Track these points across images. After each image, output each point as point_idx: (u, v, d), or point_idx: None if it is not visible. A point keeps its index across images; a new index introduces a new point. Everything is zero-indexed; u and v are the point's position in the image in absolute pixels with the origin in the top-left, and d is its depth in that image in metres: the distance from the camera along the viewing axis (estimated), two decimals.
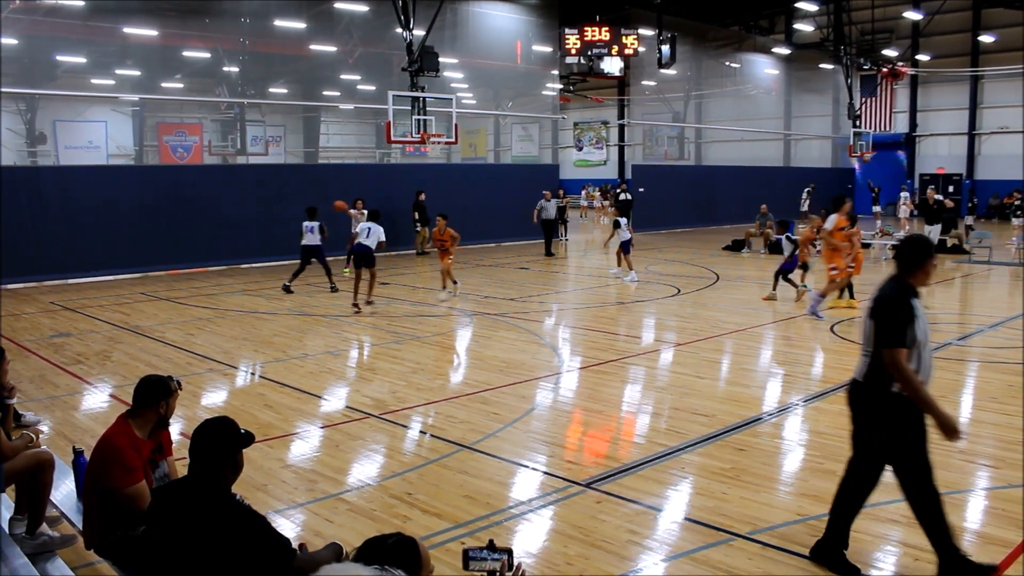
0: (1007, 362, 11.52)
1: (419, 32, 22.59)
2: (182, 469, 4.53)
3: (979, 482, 7.09)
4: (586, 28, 30.33)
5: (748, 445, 7.91)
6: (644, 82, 44.93)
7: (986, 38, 40.45)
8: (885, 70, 40.03)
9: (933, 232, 21.59)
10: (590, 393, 10.13)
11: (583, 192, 48.63)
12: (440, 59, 23.40)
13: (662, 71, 33.84)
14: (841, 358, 11.94)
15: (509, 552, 3.25)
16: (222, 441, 3.80)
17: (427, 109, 22.43)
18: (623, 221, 20.17)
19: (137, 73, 32.53)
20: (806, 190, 37.16)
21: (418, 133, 22.12)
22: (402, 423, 8.65)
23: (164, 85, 34.72)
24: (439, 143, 23.94)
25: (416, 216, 25.20)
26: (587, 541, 5.86)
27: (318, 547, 4.21)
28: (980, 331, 13.75)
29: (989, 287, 19.43)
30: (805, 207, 36.15)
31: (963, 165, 43.59)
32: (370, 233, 15.62)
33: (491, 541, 3.30)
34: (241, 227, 22.50)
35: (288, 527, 6.05)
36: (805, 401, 9.57)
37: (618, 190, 33.17)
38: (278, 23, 30.04)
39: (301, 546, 4.04)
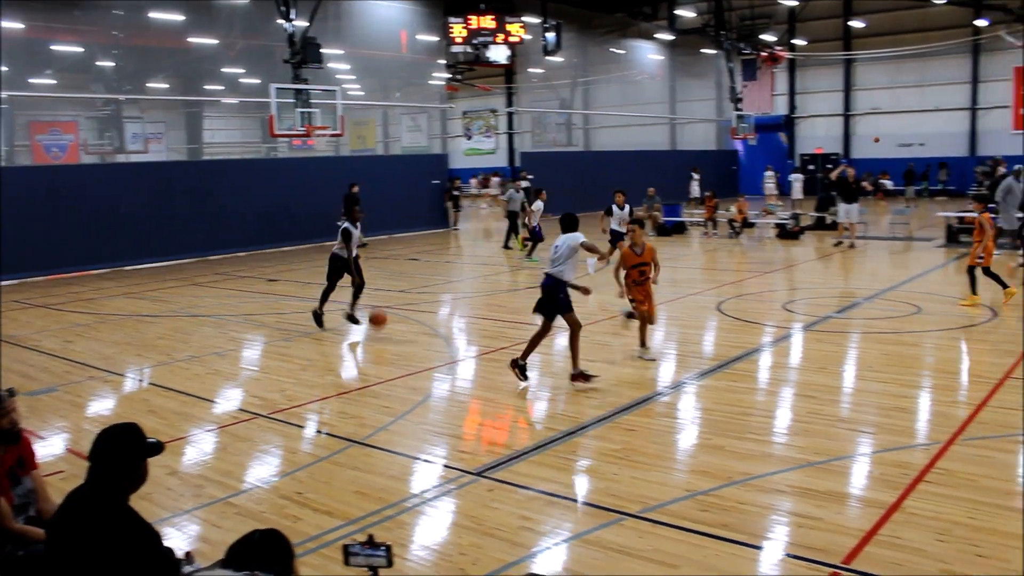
0: (884, 332, 12.00)
1: (301, 23, 22.16)
2: (61, 483, 4.33)
3: (860, 448, 7.35)
4: (471, 17, 30.23)
5: (639, 425, 8.03)
6: (531, 70, 45.16)
7: (857, 23, 42.00)
8: (764, 54, 41.12)
9: (851, 211, 22.07)
10: (482, 382, 10.14)
11: (472, 181, 48.67)
12: (324, 51, 23.01)
13: (549, 58, 34.03)
14: (728, 335, 12.26)
15: (388, 547, 3.21)
16: (122, 449, 3.58)
17: (311, 102, 22.04)
18: (616, 209, 18.22)
19: (5, 69, 31.05)
20: (694, 174, 37.89)
21: (303, 126, 21.72)
22: (292, 422, 8.48)
23: (34, 82, 33.18)
24: (325, 136, 23.58)
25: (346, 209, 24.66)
26: (480, 530, 5.85)
27: (206, 555, 4.08)
28: (858, 303, 14.26)
29: (867, 262, 20.17)
30: (696, 191, 36.87)
31: (840, 145, 45.22)
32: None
33: (370, 536, 3.25)
34: (122, 228, 21.72)
35: (174, 536, 5.87)
36: (694, 379, 9.77)
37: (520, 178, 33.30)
38: (153, 15, 29.01)
39: (187, 554, 3.90)
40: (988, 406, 8.39)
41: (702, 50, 44.01)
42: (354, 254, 13.03)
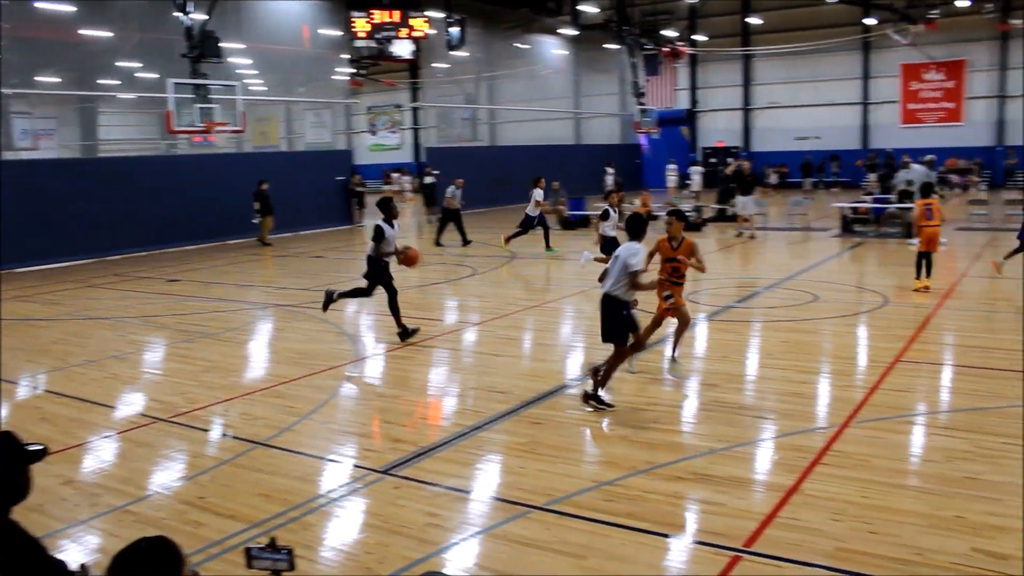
0: (783, 320, 12.34)
1: (200, 16, 21.65)
2: None
3: (760, 434, 7.54)
4: (374, 11, 29.95)
5: (545, 418, 8.08)
6: (436, 65, 44.99)
7: (755, 20, 43.04)
8: (666, 50, 41.79)
9: (747, 203, 22.86)
10: (388, 379, 10.08)
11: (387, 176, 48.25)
12: (224, 45, 22.55)
13: (454, 53, 33.94)
14: None
15: (290, 551, 3.16)
16: None
17: (211, 97, 21.55)
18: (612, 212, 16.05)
19: None
20: (608, 168, 38.11)
21: (202, 122, 21.22)
22: (194, 425, 8.28)
23: None
24: (225, 132, 23.08)
25: (258, 206, 24.11)
26: (386, 528, 5.82)
27: (104, 566, 3.93)
28: (758, 293, 14.63)
29: (767, 252, 20.70)
30: (610, 184, 37.13)
31: (740, 138, 46.29)
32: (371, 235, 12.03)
33: (273, 539, 3.20)
34: (11, 229, 20.86)
35: (69, 548, 5.67)
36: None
37: (424, 173, 33.14)
38: (41, 5, 27.94)
39: (82, 567, 3.76)
40: (880, 389, 8.72)
41: (605, 46, 44.49)
42: (388, 258, 11.61)
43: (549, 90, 44.97)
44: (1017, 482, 6.29)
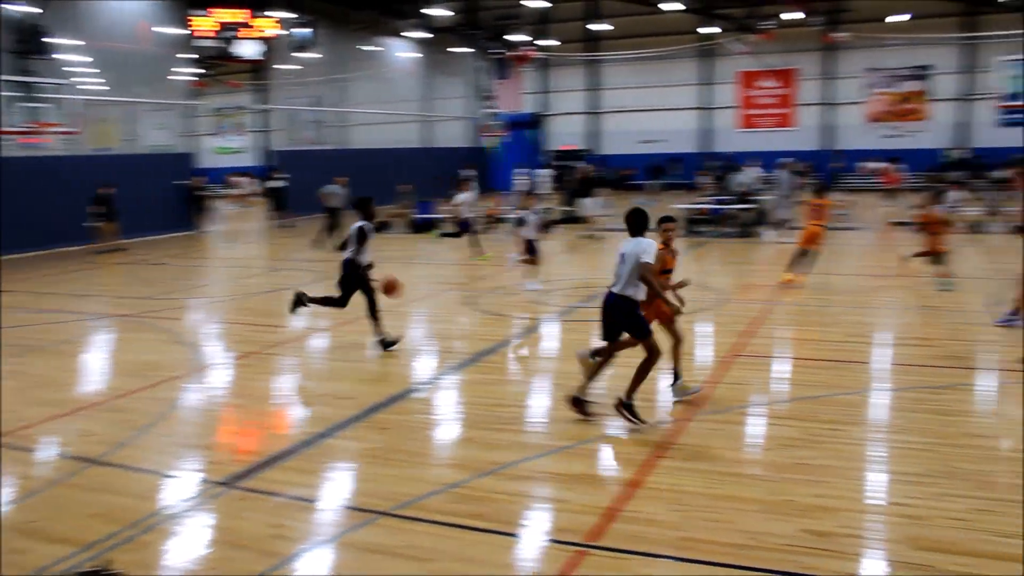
0: None
1: (27, 9, 20.51)
2: None
3: (605, 430, 7.72)
4: (216, 10, 29.10)
5: (392, 423, 8.06)
6: (285, 66, 44.06)
7: (603, 26, 44.10)
8: (515, 54, 42.32)
9: (592, 205, 23.60)
10: (232, 388, 9.84)
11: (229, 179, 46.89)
12: (57, 41, 21.43)
13: (302, 55, 33.33)
14: (480, 329, 12.56)
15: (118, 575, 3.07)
16: None
17: (41, 96, 20.47)
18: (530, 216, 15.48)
19: None
20: (467, 172, 38.07)
21: (31, 122, 20.13)
22: (23, 445, 7.84)
23: None
24: (58, 134, 21.96)
25: (97, 211, 22.71)
26: (230, 542, 5.69)
27: None
28: (537, 290, 14.93)
29: (613, 253, 21.18)
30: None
31: (589, 141, 47.35)
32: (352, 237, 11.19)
33: (107, 562, 3.09)
34: None
35: None
36: (447, 374, 9.93)
37: (269, 176, 32.37)
38: None
39: None
40: (721, 383, 9.11)
41: (455, 49, 44.65)
42: (366, 262, 10.96)
43: (399, 92, 44.76)
44: (839, 464, 6.72)
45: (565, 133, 47.96)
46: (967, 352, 10.63)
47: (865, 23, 39.72)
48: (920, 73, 42.10)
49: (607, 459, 7.16)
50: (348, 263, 10.91)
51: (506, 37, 42.66)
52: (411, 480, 6.59)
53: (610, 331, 7.88)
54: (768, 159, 36.22)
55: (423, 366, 10.52)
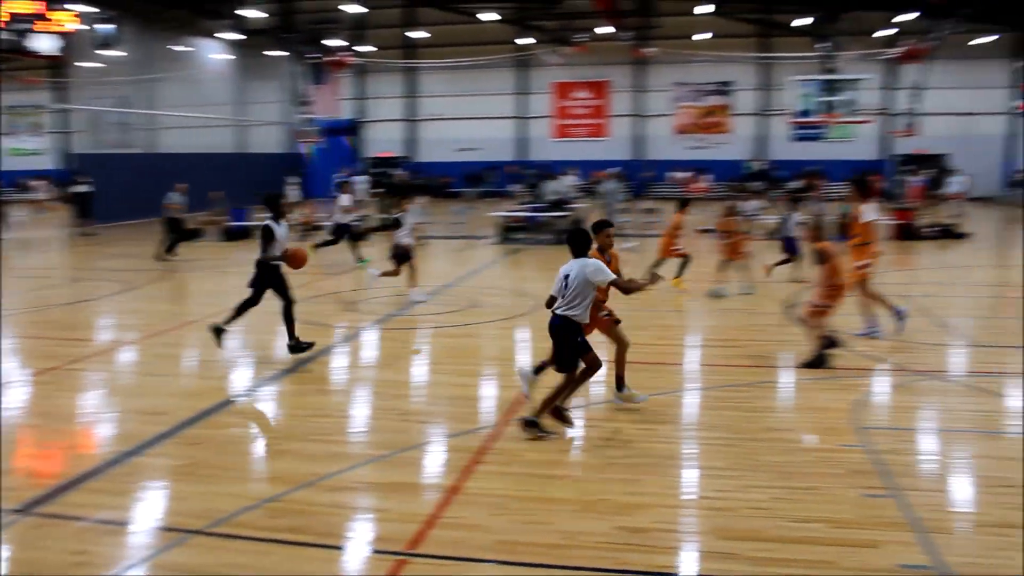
0: (445, 326, 12.77)
1: None
2: None
3: (424, 438, 7.74)
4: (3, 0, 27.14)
5: (205, 438, 7.78)
6: (88, 64, 41.79)
7: (420, 33, 44.17)
8: (332, 59, 41.79)
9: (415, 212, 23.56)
10: (29, 407, 9.22)
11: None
12: None
13: (107, 52, 31.69)
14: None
15: None
16: None
17: None
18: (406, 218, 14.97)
19: None
20: (290, 178, 37.01)
21: None
22: None
23: None
24: None
25: None
26: (27, 573, 5.34)
27: None
28: (421, 300, 14.98)
29: (430, 260, 21.27)
30: (295, 195, 36.04)
31: (406, 149, 47.30)
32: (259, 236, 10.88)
33: None
34: None
35: None
36: (263, 385, 9.69)
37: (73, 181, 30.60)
38: None
39: None
40: (538, 387, 9.27)
41: (270, 52, 43.66)
42: (276, 260, 10.48)
43: (212, 96, 43.30)
44: (651, 462, 7.01)
45: (383, 140, 47.75)
46: (767, 351, 11.30)
47: (673, 39, 41.63)
48: (723, 89, 44.56)
49: (426, 466, 7.18)
50: (258, 263, 10.56)
51: (323, 42, 42.08)
52: (226, 496, 6.38)
53: (565, 358, 7.70)
54: (584, 167, 37.43)
55: (239, 378, 10.22)
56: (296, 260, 10.51)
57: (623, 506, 6.15)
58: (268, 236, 10.41)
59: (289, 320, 10.63)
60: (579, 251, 7.71)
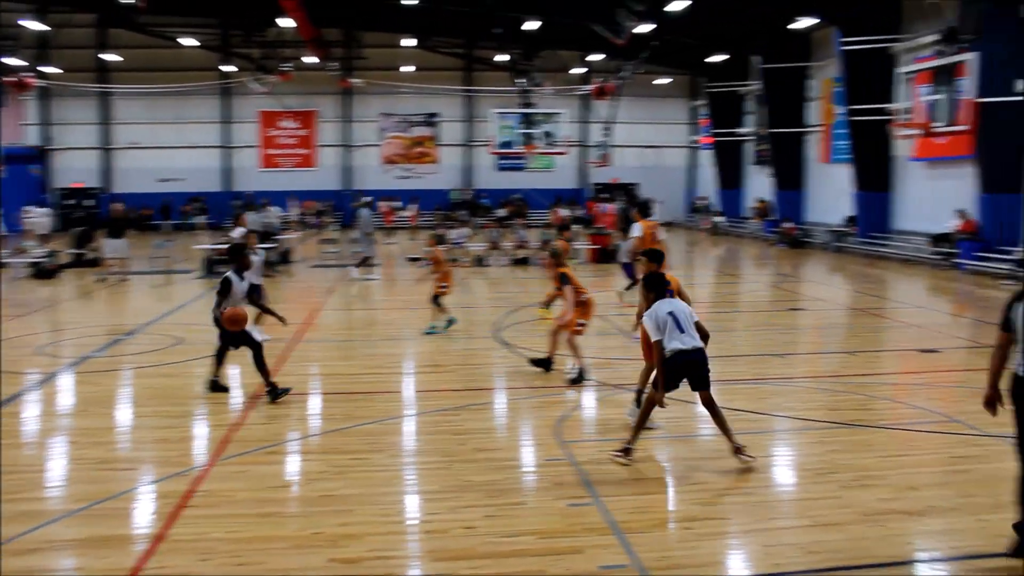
0: (147, 366, 12.07)
1: None
2: None
3: (125, 486, 7.23)
4: None
5: None
6: None
7: (113, 56, 41.42)
8: (12, 80, 38.35)
9: (118, 246, 22.01)
10: None
11: None
12: None
13: None
14: None
15: None
16: None
17: None
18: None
19: None
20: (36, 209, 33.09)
21: None
22: None
23: None
24: None
25: None
26: None
27: None
28: (121, 340, 14.12)
29: (130, 297, 20.06)
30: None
31: (100, 179, 44.19)
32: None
33: None
34: None
35: None
36: None
37: None
38: None
39: None
40: (244, 424, 9.05)
41: None
42: (224, 311, 10.04)
43: None
44: (364, 492, 7.04)
45: (73, 169, 44.25)
46: (476, 375, 11.68)
47: (379, 71, 42.14)
48: (430, 120, 45.57)
49: (127, 516, 6.73)
50: (216, 320, 10.27)
51: (1, 60, 38.55)
52: None
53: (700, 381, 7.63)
54: (293, 197, 36.90)
55: None
56: (233, 320, 10.10)
57: (337, 538, 6.13)
58: (225, 290, 10.27)
59: (261, 367, 10.13)
60: (661, 293, 7.83)
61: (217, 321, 10.27)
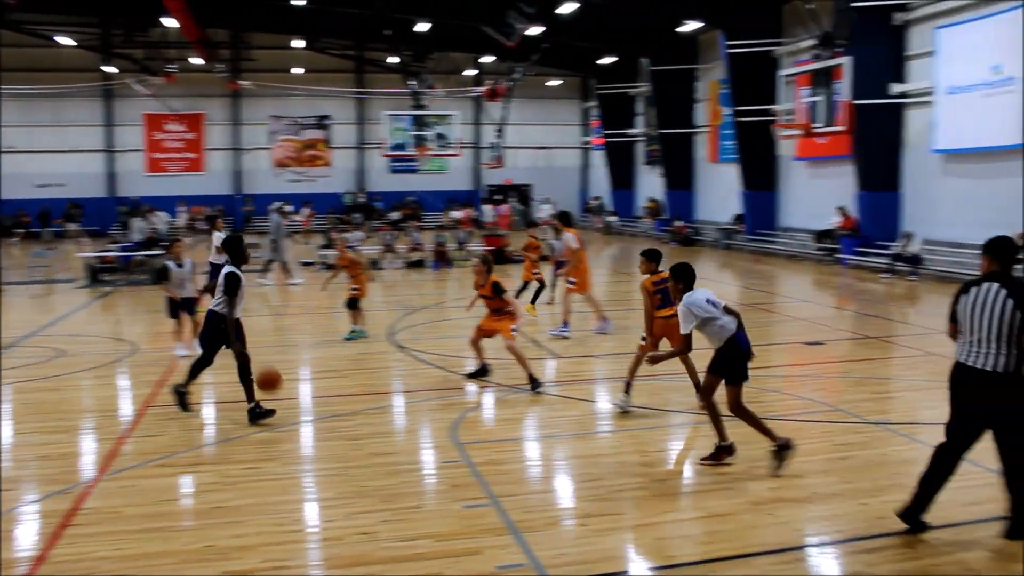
0: (24, 380, 11.51)
1: None
2: None
3: (4, 507, 6.94)
4: None
5: None
6: None
7: None
8: None
9: None
10: None
11: None
12: None
13: None
14: None
15: None
16: None
17: None
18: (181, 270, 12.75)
19: None
20: None
21: None
22: None
23: None
24: None
25: None
26: None
27: None
28: None
29: (7, 308, 19.17)
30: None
31: None
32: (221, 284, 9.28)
33: None
34: None
35: None
36: None
37: None
38: None
39: None
40: (131, 437, 8.75)
41: None
42: (237, 313, 9.10)
43: None
44: (258, 502, 6.90)
45: None
46: (372, 379, 11.58)
47: (268, 72, 41.33)
48: (321, 123, 44.94)
49: (6, 539, 6.41)
50: (213, 315, 9.21)
51: None
52: None
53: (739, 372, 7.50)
54: (182, 202, 35.88)
55: None
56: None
57: (230, 550, 5.99)
58: (232, 287, 9.07)
59: (245, 382, 9.24)
60: (691, 284, 7.62)
61: (214, 318, 9.27)
